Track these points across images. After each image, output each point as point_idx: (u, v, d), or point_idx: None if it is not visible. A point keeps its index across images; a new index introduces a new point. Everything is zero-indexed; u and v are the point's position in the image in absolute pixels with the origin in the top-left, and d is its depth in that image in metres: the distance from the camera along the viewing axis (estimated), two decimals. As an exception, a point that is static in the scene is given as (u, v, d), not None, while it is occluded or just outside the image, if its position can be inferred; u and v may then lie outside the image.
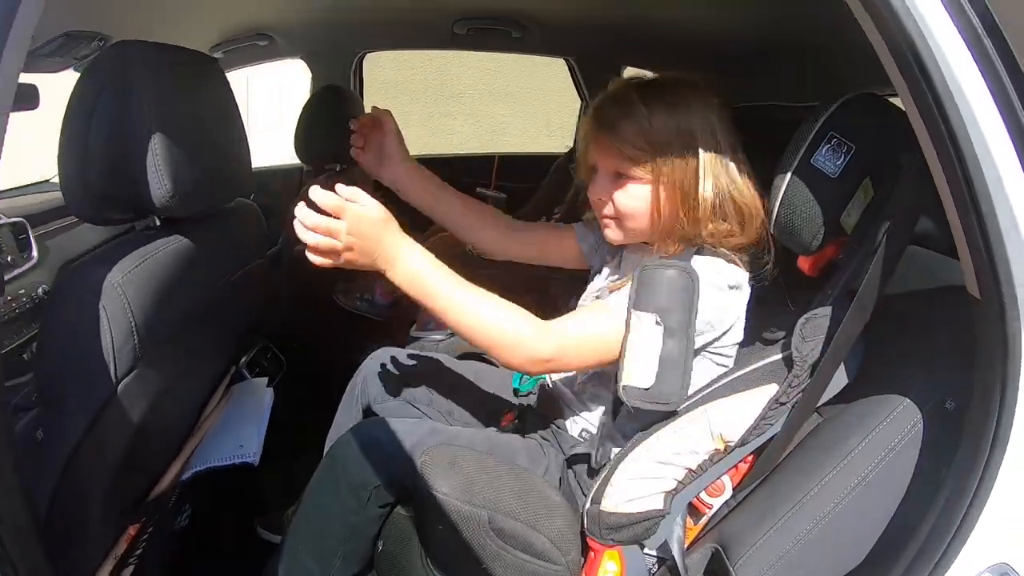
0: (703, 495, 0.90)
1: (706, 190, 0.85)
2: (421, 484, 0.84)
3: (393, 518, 0.93)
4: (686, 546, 0.95)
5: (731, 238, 0.87)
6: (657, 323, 0.80)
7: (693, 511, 0.93)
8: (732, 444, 0.82)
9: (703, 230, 0.86)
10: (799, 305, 0.86)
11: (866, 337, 0.85)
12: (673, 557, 0.88)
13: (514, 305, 0.82)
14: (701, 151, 0.85)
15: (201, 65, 0.98)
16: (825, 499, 0.77)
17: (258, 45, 2.11)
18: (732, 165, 0.86)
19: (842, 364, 0.82)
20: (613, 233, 0.93)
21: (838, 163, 0.76)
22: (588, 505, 0.86)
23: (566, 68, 2.43)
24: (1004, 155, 0.57)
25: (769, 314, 0.91)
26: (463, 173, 2.46)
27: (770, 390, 0.81)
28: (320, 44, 2.21)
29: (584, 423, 0.98)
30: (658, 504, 0.85)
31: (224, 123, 0.99)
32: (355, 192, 0.75)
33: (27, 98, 1.34)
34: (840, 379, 0.83)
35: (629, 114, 0.87)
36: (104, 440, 0.80)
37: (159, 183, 0.81)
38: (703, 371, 0.88)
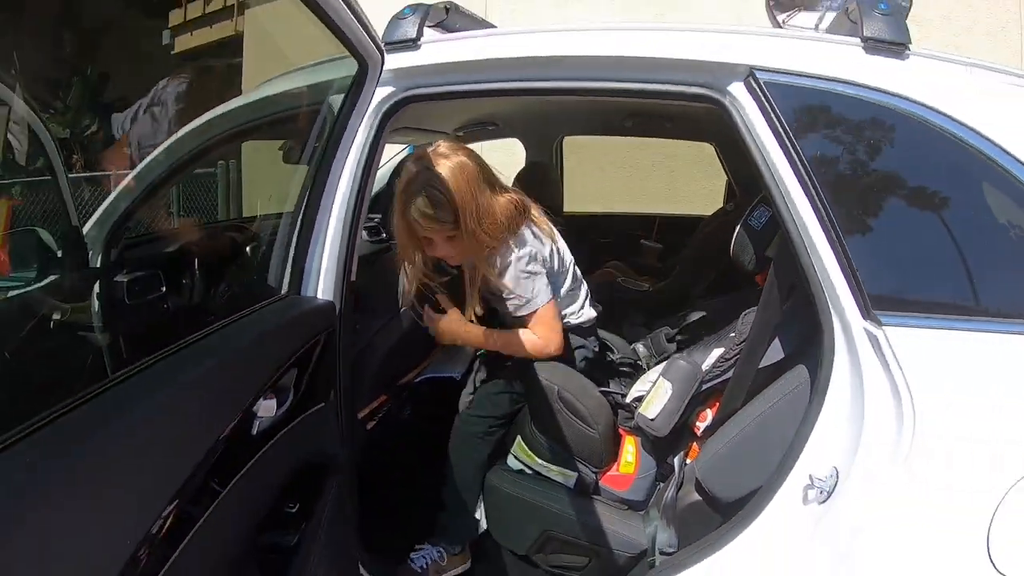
0: (697, 422, 1.48)
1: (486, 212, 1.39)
2: (533, 376, 1.53)
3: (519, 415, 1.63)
4: (691, 460, 1.52)
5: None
6: (668, 390, 1.42)
7: (691, 434, 1.50)
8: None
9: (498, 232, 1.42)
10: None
11: (801, 330, 1.37)
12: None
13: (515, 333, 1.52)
14: (471, 194, 1.37)
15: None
16: (747, 416, 1.31)
17: (488, 128, 3.05)
18: (487, 188, 1.41)
19: (779, 342, 1.35)
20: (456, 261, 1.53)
21: (761, 221, 1.32)
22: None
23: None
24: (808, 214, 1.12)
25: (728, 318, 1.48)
26: (634, 226, 3.15)
27: (718, 351, 1.37)
28: (530, 129, 3.09)
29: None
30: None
31: None
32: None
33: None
34: (778, 353, 1.36)
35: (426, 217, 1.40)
36: (384, 338, 1.64)
37: None
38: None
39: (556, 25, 1.39)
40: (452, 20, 1.53)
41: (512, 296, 1.48)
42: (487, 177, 1.45)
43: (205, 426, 0.79)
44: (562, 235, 1.61)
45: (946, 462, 1.04)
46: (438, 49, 1.36)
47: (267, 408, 0.93)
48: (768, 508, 1.21)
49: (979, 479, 1.02)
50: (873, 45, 1.20)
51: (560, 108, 2.83)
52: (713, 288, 2.12)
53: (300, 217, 1.26)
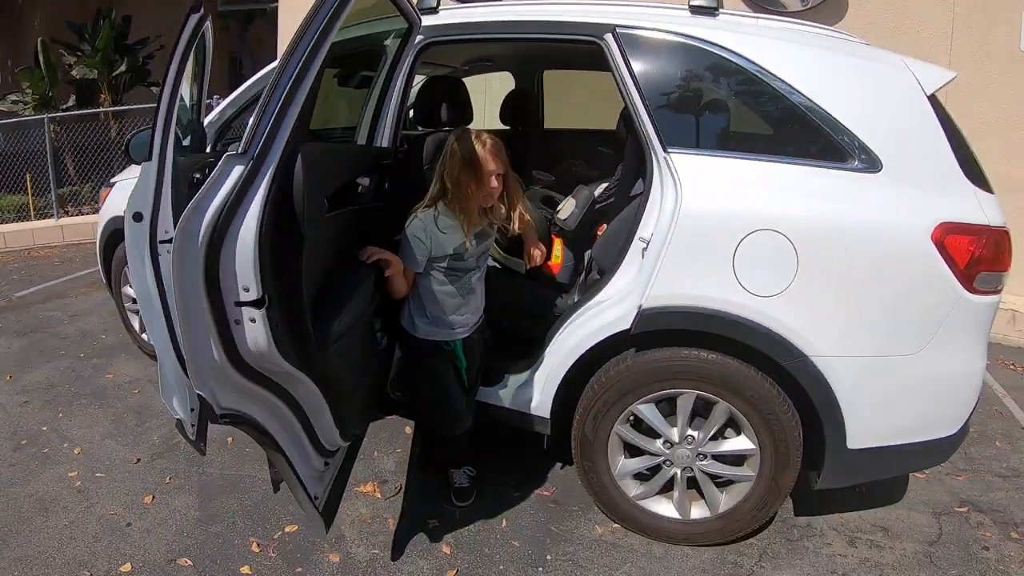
0: (598, 232, 2.59)
1: None
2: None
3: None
4: (595, 257, 2.64)
5: None
6: (573, 203, 2.51)
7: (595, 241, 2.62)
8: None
9: None
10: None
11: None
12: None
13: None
14: None
15: (456, 82, 2.87)
16: (611, 225, 2.41)
17: (486, 64, 4.09)
18: None
19: (642, 182, 2.43)
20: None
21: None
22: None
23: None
24: (639, 104, 2.18)
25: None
26: (595, 136, 4.17)
27: (604, 184, 2.47)
28: (517, 65, 4.12)
29: None
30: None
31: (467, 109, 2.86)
32: None
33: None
34: (640, 188, 2.44)
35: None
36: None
37: None
38: None
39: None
40: (460, -7, 2.58)
41: None
42: None
43: (343, 171, 1.93)
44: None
45: (700, 224, 2.09)
46: (449, 14, 2.42)
47: (364, 181, 2.07)
48: (623, 262, 2.30)
49: (713, 231, 2.09)
50: (695, 9, 2.22)
51: (538, 49, 3.84)
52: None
53: (373, 110, 2.34)
